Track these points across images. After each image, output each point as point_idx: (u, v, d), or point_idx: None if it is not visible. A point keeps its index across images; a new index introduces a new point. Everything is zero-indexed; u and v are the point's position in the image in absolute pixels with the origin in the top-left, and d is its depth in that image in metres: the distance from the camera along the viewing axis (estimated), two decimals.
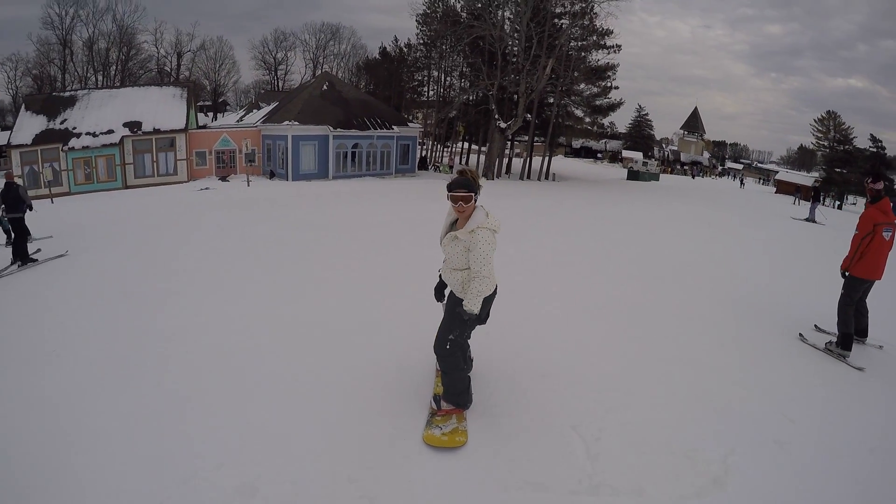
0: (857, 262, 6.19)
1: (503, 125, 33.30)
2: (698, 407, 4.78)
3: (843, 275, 6.37)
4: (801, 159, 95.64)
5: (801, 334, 6.81)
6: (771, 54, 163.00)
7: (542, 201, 21.06)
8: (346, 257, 9.77)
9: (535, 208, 18.33)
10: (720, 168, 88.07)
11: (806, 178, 52.75)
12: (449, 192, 3.83)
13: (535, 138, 40.81)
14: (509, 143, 39.74)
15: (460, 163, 44.48)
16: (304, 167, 31.66)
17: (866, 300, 6.52)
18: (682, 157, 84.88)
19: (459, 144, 47.84)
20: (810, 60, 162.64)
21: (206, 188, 27.54)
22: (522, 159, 40.01)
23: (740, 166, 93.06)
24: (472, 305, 3.81)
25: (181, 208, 16.79)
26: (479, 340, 4.98)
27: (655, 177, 51.66)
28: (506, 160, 38.98)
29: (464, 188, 3.78)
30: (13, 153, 31.39)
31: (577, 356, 5.68)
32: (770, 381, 5.40)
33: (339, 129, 31.78)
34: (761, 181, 73.68)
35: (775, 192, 48.31)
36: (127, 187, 32.54)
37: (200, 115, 53.31)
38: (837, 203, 45.08)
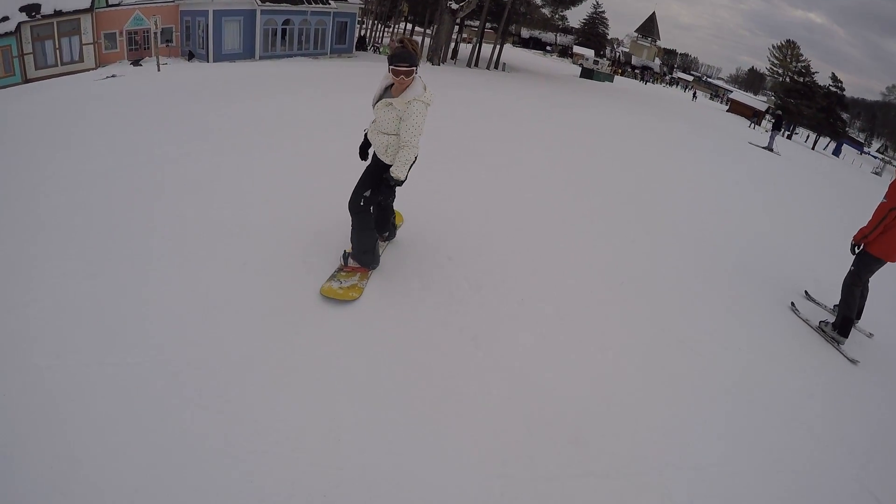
0: (877, 238, 5.11)
1: (454, 6, 30.24)
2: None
3: (854, 249, 5.35)
4: (749, 81, 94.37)
5: (792, 303, 5.97)
6: None
7: (498, 96, 18.29)
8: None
9: (493, 106, 15.73)
10: (669, 77, 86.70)
11: (759, 103, 52.90)
12: (391, 65, 3.82)
13: (486, 25, 37.94)
14: (457, 27, 36.86)
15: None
16: (228, 46, 28.24)
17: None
18: (634, 61, 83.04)
19: (402, 25, 44.29)
20: None
21: (112, 76, 24.28)
22: (472, 46, 37.14)
23: (690, 78, 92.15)
24: (399, 172, 3.96)
25: (55, 109, 12.89)
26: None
27: (609, 77, 49.51)
28: (452, 45, 36.16)
29: (406, 62, 3.79)
30: None
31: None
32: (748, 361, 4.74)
33: (267, 3, 28.08)
34: (710, 96, 72.87)
35: (727, 111, 48.73)
36: (27, 80, 28.88)
37: None
38: (787, 133, 45.30)
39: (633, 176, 10.00)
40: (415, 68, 3.83)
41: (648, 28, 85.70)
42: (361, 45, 36.67)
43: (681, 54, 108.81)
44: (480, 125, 12.16)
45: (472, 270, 4.96)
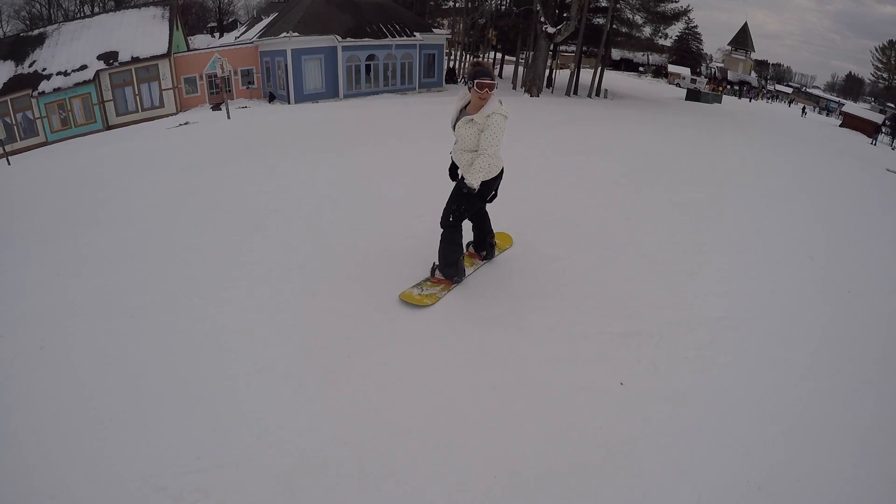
0: None
1: (551, 30, 26.89)
2: None
3: None
4: (848, 87, 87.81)
5: None
6: None
7: (623, 131, 14.25)
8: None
9: (626, 145, 11.67)
10: (768, 90, 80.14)
11: (875, 115, 46.40)
12: (476, 79, 3.84)
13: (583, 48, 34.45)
14: (550, 53, 33.65)
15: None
16: (309, 86, 26.30)
17: None
18: (730, 76, 77.29)
19: (490, 54, 41.22)
20: None
21: (185, 123, 22.52)
22: (569, 72, 33.52)
23: (789, 90, 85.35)
24: (473, 180, 3.98)
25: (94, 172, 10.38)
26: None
27: (718, 98, 44.61)
28: (546, 72, 32.85)
29: (489, 76, 3.87)
30: None
31: None
32: None
33: (348, 39, 26.08)
34: (816, 109, 65.65)
35: (840, 126, 42.87)
36: (109, 128, 28.41)
37: (207, 38, 47.35)
38: None
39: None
40: (490, 84, 3.83)
41: (742, 40, 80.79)
42: (451, 77, 33.92)
43: (773, 64, 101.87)
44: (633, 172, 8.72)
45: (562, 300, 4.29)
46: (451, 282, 4.40)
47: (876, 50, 66.99)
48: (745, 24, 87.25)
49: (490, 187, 4.19)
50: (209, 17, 60.87)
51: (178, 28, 31.41)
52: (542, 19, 27.10)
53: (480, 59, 4.83)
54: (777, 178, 9.21)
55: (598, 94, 32.58)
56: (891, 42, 64.07)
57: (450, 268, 4.34)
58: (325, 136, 11.45)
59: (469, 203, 4.15)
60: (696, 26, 73.60)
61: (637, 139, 12.35)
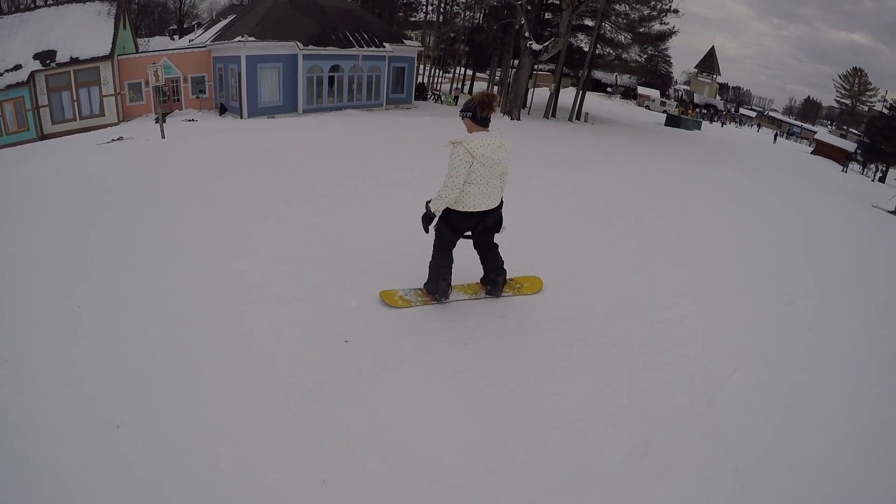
0: None
1: (537, 47, 25.08)
2: None
3: None
4: (805, 111, 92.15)
5: None
6: None
7: (625, 166, 12.60)
8: None
9: (636, 184, 10.24)
10: (733, 114, 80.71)
11: (846, 143, 46.68)
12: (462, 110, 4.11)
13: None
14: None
15: (464, 91, 36.25)
16: (265, 98, 23.89)
17: None
18: (696, 99, 77.67)
19: (460, 70, 39.40)
20: (813, 10, 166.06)
21: (118, 138, 19.89)
22: (549, 93, 31.82)
23: (753, 113, 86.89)
24: (433, 205, 4.02)
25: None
26: None
27: (697, 125, 43.65)
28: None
29: (467, 109, 3.99)
30: None
31: None
32: None
33: (311, 47, 23.76)
34: (784, 135, 65.70)
35: (812, 153, 43.91)
36: (43, 137, 25.55)
37: (165, 40, 44.10)
38: (880, 176, 39.01)
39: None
40: (467, 114, 3.96)
41: (708, 63, 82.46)
42: (421, 93, 31.88)
43: (733, 88, 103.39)
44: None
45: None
46: (432, 297, 4.44)
47: (840, 77, 68.53)
48: (713, 47, 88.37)
49: (465, 221, 4.14)
50: (171, 18, 57.90)
51: (125, 27, 28.59)
52: (527, 34, 25.36)
53: (489, 93, 4.08)
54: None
55: (578, 118, 31.06)
56: (855, 69, 65.94)
57: (431, 284, 4.41)
58: (273, 173, 8.77)
59: (440, 233, 4.23)
60: (666, 49, 73.43)
61: (650, 183, 10.58)
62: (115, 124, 25.23)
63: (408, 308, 4.27)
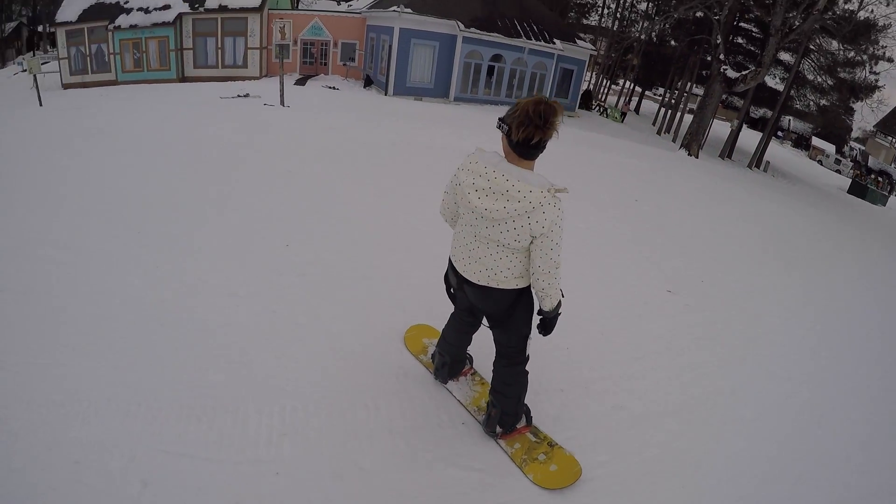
0: None
1: (733, 75, 20.77)
2: None
3: None
4: None
5: None
6: None
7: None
8: None
9: None
10: None
11: None
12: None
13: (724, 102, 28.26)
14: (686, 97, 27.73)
15: (630, 107, 32.08)
16: (415, 77, 21.36)
17: None
18: (870, 162, 67.98)
19: (628, 84, 35.29)
20: None
21: (245, 95, 18.36)
22: (730, 129, 27.15)
23: None
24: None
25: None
26: None
27: (884, 199, 35.98)
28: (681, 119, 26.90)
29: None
30: (59, 32, 26.06)
31: None
32: None
33: (473, 30, 20.91)
34: None
35: None
36: (183, 79, 25.06)
37: (332, 5, 42.96)
38: None
39: None
40: (502, 127, 2.31)
41: (891, 124, 71.35)
42: (586, 101, 28.11)
43: None
44: None
45: None
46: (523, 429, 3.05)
47: None
48: None
49: (450, 268, 2.80)
50: None
51: None
52: (721, 56, 21.11)
53: (546, 100, 1.98)
54: None
55: (757, 166, 26.36)
56: None
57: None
58: (404, 186, 6.79)
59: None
60: (864, 100, 65.01)
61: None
62: (256, 78, 24.11)
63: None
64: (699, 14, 24.92)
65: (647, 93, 37.37)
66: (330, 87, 21.37)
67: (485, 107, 20.87)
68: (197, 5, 24.49)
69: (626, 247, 6.11)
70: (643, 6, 32.60)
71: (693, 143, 20.77)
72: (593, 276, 5.01)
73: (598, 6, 35.36)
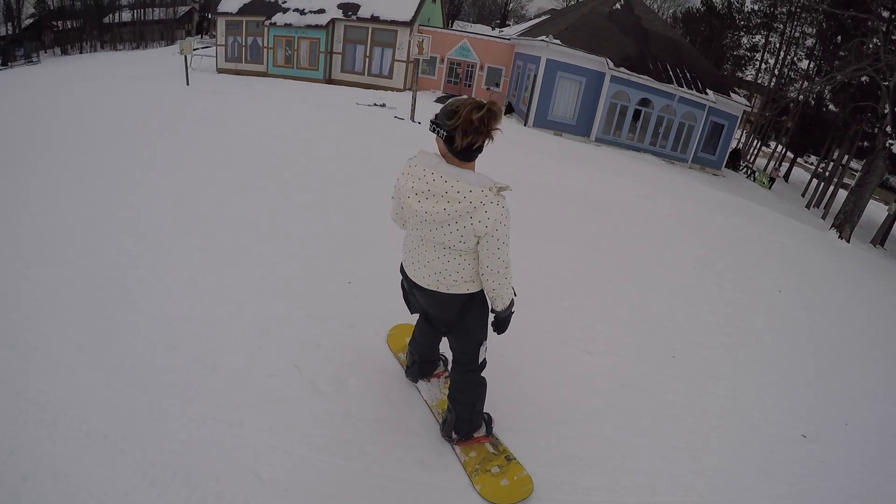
0: None
1: None
2: None
3: None
4: None
5: None
6: None
7: None
8: None
9: None
10: None
11: None
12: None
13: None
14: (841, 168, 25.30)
15: (780, 173, 29.82)
16: (557, 111, 20.87)
17: None
18: None
19: (780, 147, 33.01)
20: None
21: (382, 104, 18.97)
22: (889, 213, 24.54)
23: None
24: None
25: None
26: None
27: None
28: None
29: None
30: (219, 21, 29.36)
31: None
32: None
33: (622, 69, 20.15)
34: None
35: None
36: (329, 81, 26.53)
37: (486, 29, 43.98)
38: None
39: None
40: (439, 130, 2.28)
41: None
42: (734, 160, 26.41)
43: None
44: None
45: None
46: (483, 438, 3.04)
47: None
48: None
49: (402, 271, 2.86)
50: (500, 12, 59.53)
51: (434, 1, 28.18)
52: (889, 130, 19.13)
53: (485, 101, 1.96)
54: None
55: None
56: None
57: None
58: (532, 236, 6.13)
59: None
60: None
61: None
62: (399, 90, 24.91)
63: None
64: (865, 79, 22.85)
65: (798, 160, 34.74)
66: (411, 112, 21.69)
67: (626, 152, 19.98)
68: (350, 13, 25.62)
69: (761, 354, 4.66)
70: (804, 64, 30.50)
71: (846, 225, 18.83)
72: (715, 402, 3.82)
73: (756, 60, 33.43)
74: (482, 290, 2.57)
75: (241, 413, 2.84)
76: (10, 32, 43.45)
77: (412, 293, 2.75)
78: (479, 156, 2.25)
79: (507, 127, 19.57)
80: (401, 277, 2.76)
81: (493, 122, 2.14)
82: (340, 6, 26.16)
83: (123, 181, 5.49)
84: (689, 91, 20.92)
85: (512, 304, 2.60)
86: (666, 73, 21.17)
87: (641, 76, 20.43)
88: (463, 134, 2.14)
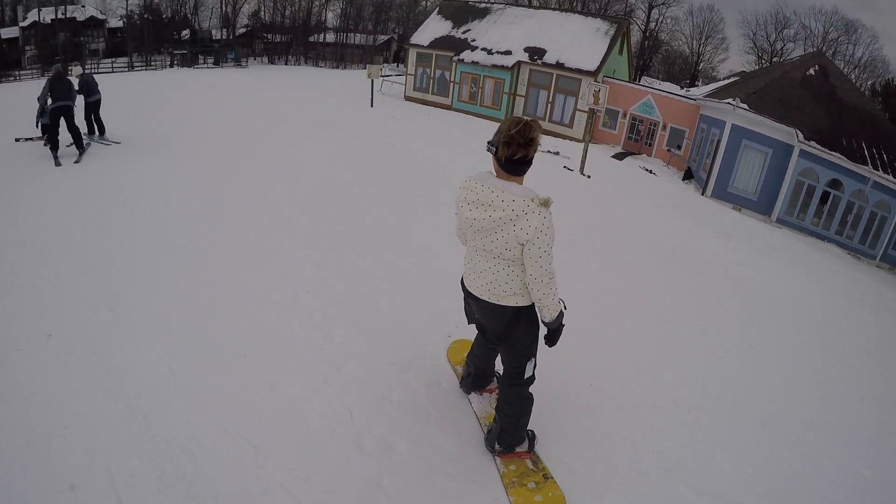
0: None
1: None
2: None
3: None
4: None
5: None
6: None
7: None
8: None
9: None
10: None
11: None
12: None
13: None
14: None
15: None
16: (738, 184, 20.39)
17: None
18: None
19: None
20: None
21: (555, 153, 20.48)
22: None
23: None
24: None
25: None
26: None
27: None
28: None
29: None
30: (410, 52, 32.36)
31: None
32: None
33: (813, 144, 19.18)
34: None
35: None
36: None
37: (675, 87, 43.05)
38: None
39: None
40: (491, 149, 2.60)
41: None
42: None
43: None
44: None
45: None
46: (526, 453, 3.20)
47: None
48: None
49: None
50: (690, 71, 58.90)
51: (621, 52, 28.84)
52: None
53: (524, 119, 2.38)
54: None
55: None
56: None
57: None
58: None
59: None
60: None
61: None
62: (579, 140, 25.74)
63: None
64: None
65: None
66: (647, 170, 21.86)
67: (808, 238, 18.87)
68: (536, 57, 26.95)
69: None
70: None
71: None
72: None
73: None
74: (532, 306, 2.78)
75: (272, 442, 2.94)
76: (224, 37, 50.19)
77: (468, 302, 3.04)
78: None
79: (684, 193, 19.88)
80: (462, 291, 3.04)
81: (529, 133, 2.46)
82: (527, 49, 27.54)
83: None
84: (886, 176, 19.37)
85: (561, 315, 2.79)
86: (861, 152, 19.91)
87: (833, 153, 19.28)
88: (505, 146, 2.47)
